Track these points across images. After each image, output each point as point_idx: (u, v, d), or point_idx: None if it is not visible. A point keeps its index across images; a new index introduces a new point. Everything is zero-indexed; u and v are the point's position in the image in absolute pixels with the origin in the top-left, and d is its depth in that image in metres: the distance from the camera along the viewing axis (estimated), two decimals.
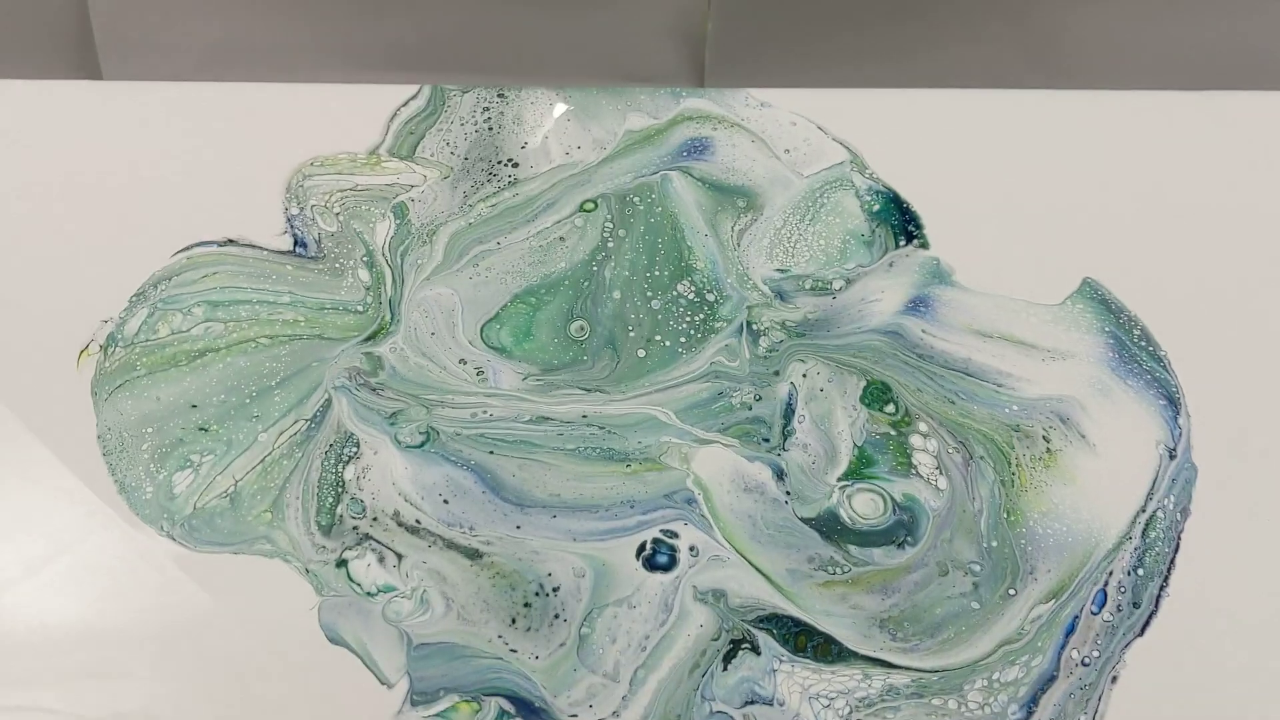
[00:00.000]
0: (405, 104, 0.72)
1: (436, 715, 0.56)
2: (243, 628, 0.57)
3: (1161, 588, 0.59)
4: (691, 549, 0.60)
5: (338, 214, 0.69)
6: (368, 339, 0.65)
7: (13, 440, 0.61)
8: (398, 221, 0.68)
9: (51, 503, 0.61)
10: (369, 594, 0.58)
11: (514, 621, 0.58)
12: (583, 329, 0.66)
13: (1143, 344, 0.66)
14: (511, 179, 0.70)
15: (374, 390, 0.63)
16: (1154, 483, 0.62)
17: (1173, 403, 0.64)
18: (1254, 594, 0.59)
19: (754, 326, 0.66)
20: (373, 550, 0.60)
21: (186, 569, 0.59)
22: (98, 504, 0.62)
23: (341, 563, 0.59)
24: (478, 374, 0.64)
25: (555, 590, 0.58)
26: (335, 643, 0.57)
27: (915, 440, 0.63)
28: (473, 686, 0.57)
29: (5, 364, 0.63)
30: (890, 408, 0.64)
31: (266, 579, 0.59)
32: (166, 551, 0.59)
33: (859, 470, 0.62)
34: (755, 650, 0.58)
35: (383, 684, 0.56)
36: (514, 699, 0.56)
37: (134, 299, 0.66)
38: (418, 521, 0.60)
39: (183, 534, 0.60)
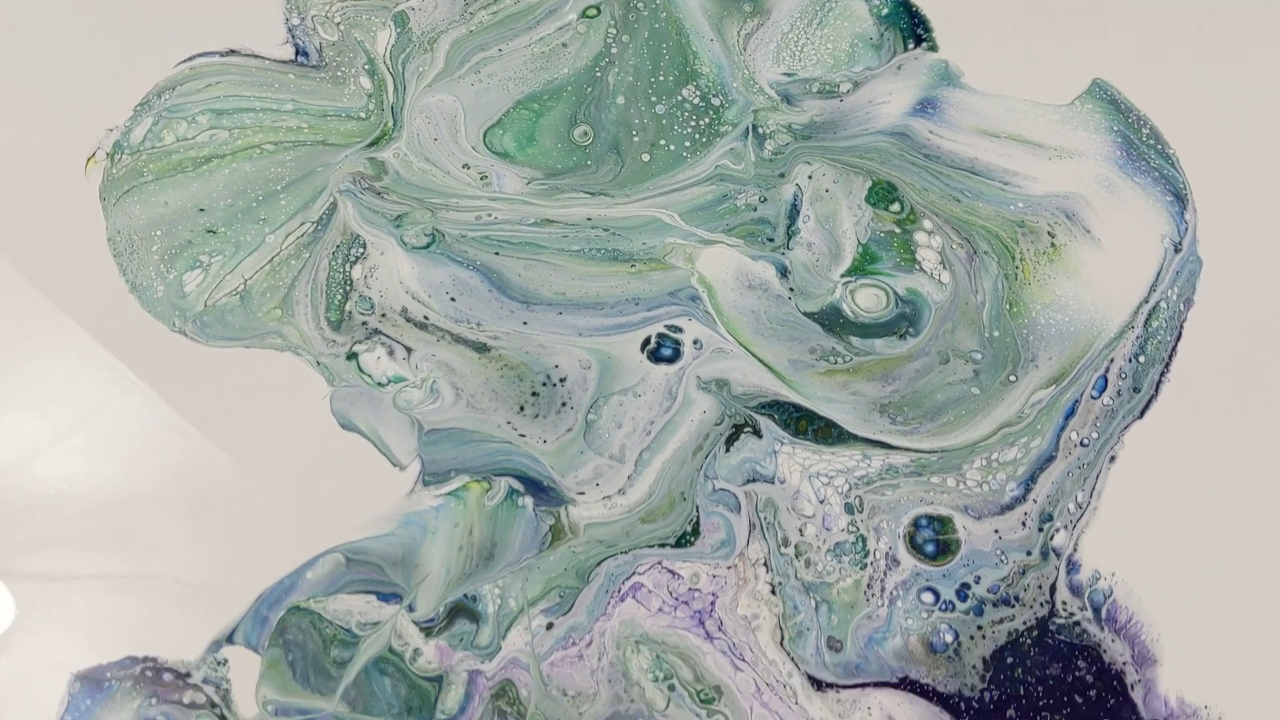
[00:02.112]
0: None
1: (448, 494, 0.63)
2: (257, 417, 0.64)
3: (1162, 374, 0.65)
4: (695, 342, 0.66)
5: (338, 24, 0.74)
6: (371, 144, 0.71)
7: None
8: (398, 30, 0.74)
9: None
10: (379, 384, 0.65)
11: (522, 409, 0.65)
12: (586, 134, 0.72)
13: (1151, 142, 0.71)
14: None
15: (378, 194, 0.70)
16: (1158, 275, 0.67)
17: (1179, 199, 0.69)
18: (1253, 380, 0.65)
19: (759, 130, 0.71)
20: (382, 344, 0.66)
21: (201, 364, 0.65)
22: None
23: (352, 355, 0.66)
24: (481, 178, 0.70)
25: (562, 381, 0.65)
26: (347, 429, 0.64)
27: (919, 237, 0.69)
28: (483, 468, 0.63)
29: (11, 175, 0.70)
30: (895, 206, 0.69)
31: (279, 372, 0.65)
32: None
33: (863, 266, 0.68)
34: (757, 433, 0.64)
35: (395, 466, 0.63)
36: (523, 479, 0.63)
37: (138, 108, 0.72)
38: (425, 318, 0.67)
39: (195, 330, 0.66)
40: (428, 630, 0.58)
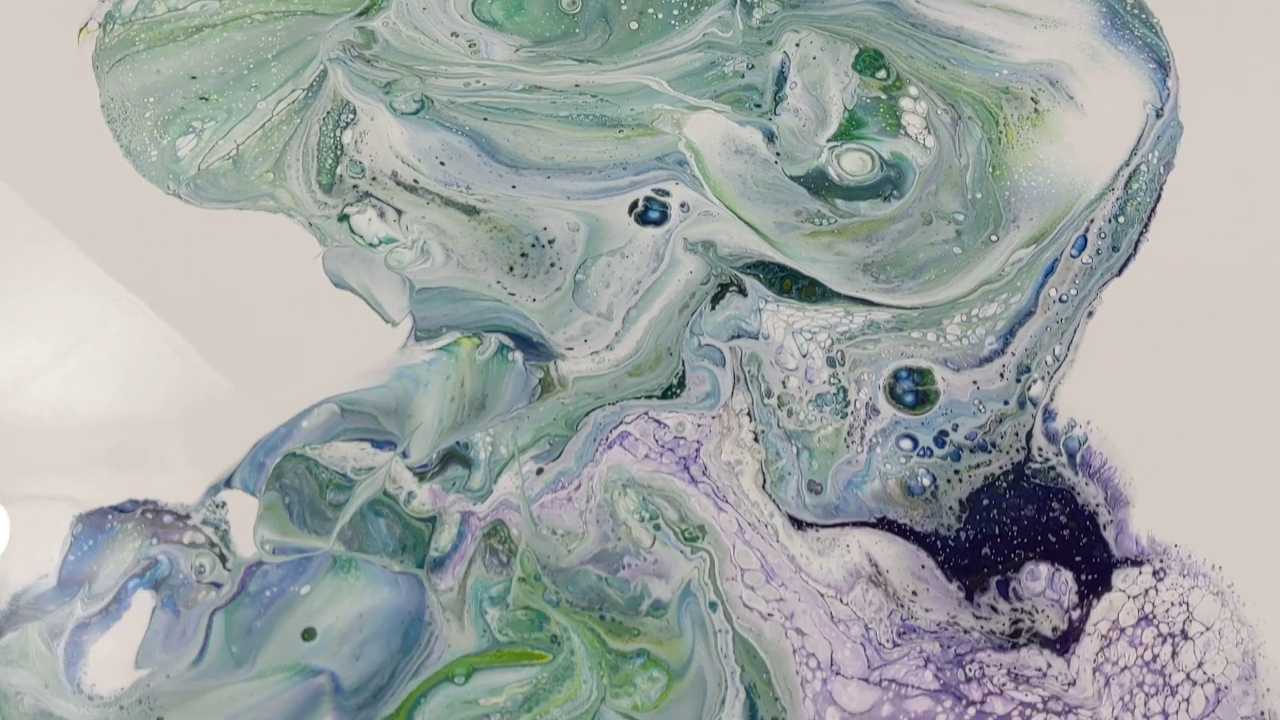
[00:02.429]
0: None
1: (439, 349, 0.65)
2: (251, 279, 0.66)
3: (1141, 234, 0.67)
4: (682, 205, 0.68)
5: None
6: (360, 13, 0.73)
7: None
8: None
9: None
10: (371, 245, 0.67)
11: (511, 269, 0.67)
12: (574, 2, 0.73)
13: (1135, 11, 0.73)
14: None
15: (368, 62, 0.71)
16: (1139, 139, 0.69)
17: (1162, 66, 0.71)
18: (1229, 240, 0.67)
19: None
20: (373, 206, 0.68)
21: (195, 225, 0.67)
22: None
23: (343, 217, 0.68)
24: (470, 46, 0.72)
25: (551, 242, 0.67)
26: (340, 287, 0.66)
27: (905, 103, 0.70)
28: (473, 324, 0.66)
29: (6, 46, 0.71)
30: (882, 73, 0.71)
31: (271, 233, 0.67)
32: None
33: (848, 131, 0.70)
34: (742, 292, 0.66)
35: (387, 323, 0.65)
36: (513, 334, 0.65)
37: None
38: (415, 181, 0.69)
39: (189, 192, 0.68)
40: (421, 475, 0.61)
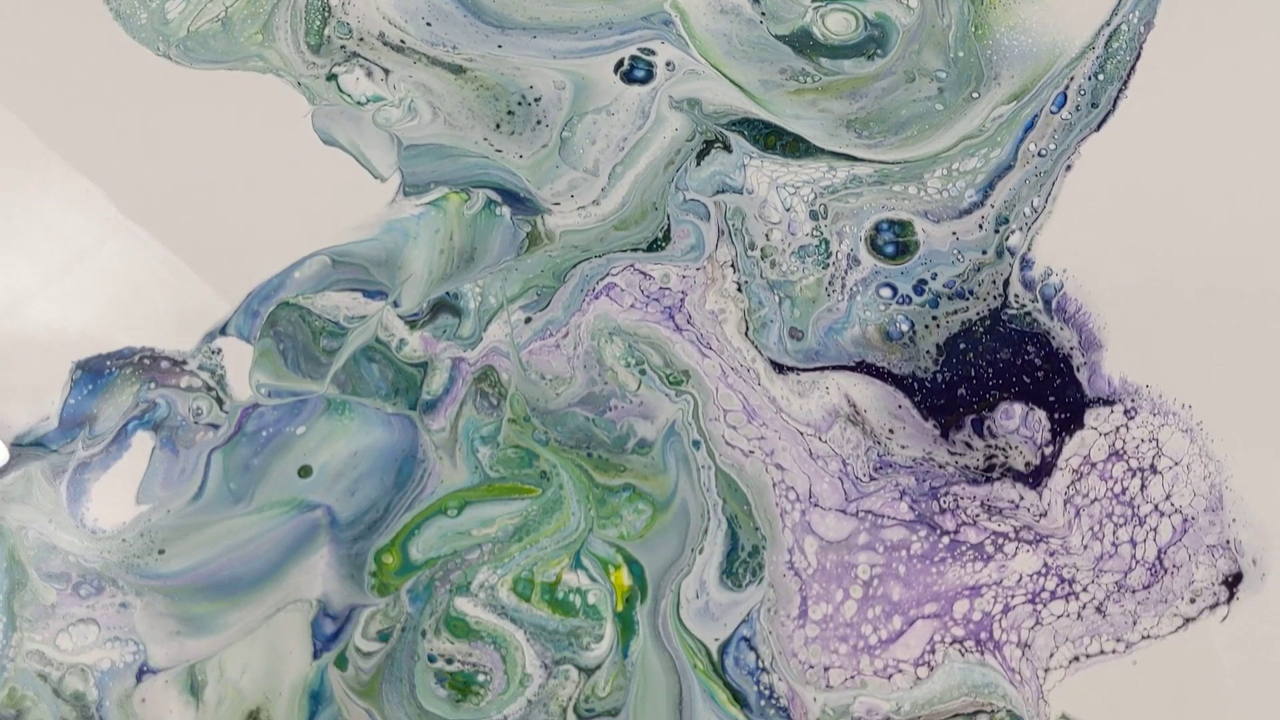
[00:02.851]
0: None
1: (428, 204, 0.67)
2: (243, 138, 0.68)
3: (1120, 90, 0.69)
4: (668, 64, 0.69)
5: None
6: None
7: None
8: None
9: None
10: (359, 104, 0.69)
11: (498, 126, 0.68)
12: None
13: None
14: None
15: None
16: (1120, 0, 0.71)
17: None
18: (1205, 97, 0.69)
19: None
20: (361, 66, 0.70)
21: (186, 97, 0.69)
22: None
23: (331, 76, 0.69)
24: None
25: (537, 100, 0.69)
26: (329, 144, 0.68)
27: None
28: (461, 180, 0.68)
29: None
30: None
31: (260, 93, 0.69)
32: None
33: None
34: (727, 148, 0.68)
35: (376, 179, 0.67)
36: (500, 190, 0.67)
37: None
38: (402, 41, 0.70)
39: (179, 54, 0.70)
40: (412, 323, 0.63)
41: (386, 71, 0.68)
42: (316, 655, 0.57)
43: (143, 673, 0.57)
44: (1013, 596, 0.58)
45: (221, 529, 0.58)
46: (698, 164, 0.66)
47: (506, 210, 0.65)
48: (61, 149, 0.65)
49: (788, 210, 0.65)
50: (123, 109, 0.66)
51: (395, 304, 0.63)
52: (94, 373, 0.60)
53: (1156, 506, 0.60)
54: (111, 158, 0.65)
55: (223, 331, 0.61)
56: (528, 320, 0.63)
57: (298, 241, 0.64)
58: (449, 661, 0.58)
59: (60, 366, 0.61)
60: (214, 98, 0.67)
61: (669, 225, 0.65)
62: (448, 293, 0.63)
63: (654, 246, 0.64)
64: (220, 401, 0.60)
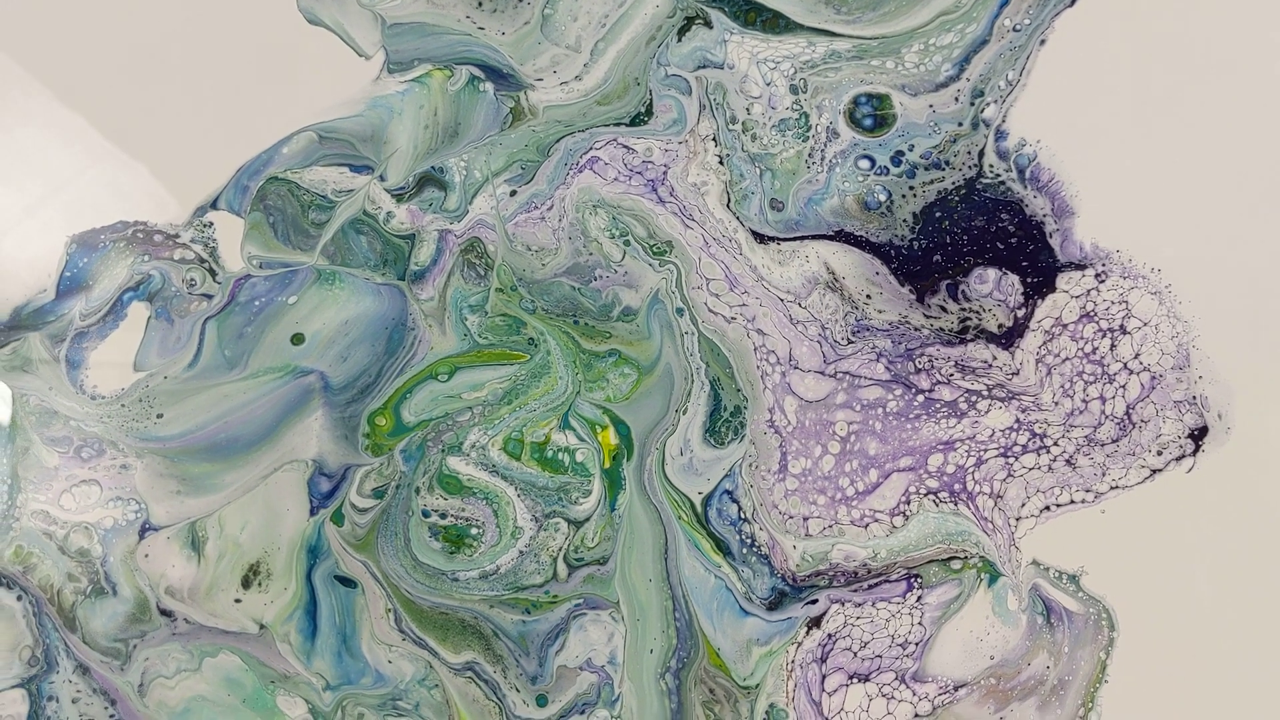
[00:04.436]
0: None
1: (412, 80, 0.71)
2: (226, 19, 0.71)
3: None
4: None
5: None
6: None
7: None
8: None
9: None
10: None
11: (480, 4, 0.72)
12: None
13: None
14: None
15: None
16: None
17: None
18: None
19: None
20: None
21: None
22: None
23: None
24: None
25: None
26: (313, 23, 0.71)
27: None
28: (444, 57, 0.71)
29: None
30: None
31: None
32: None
33: None
34: (708, 24, 0.72)
35: (360, 56, 0.71)
36: (483, 66, 0.71)
37: None
38: None
39: None
40: (399, 196, 0.67)
41: None
42: (313, 512, 0.62)
43: (145, 530, 0.61)
44: (985, 450, 0.63)
45: (217, 394, 0.62)
46: (679, 40, 0.70)
47: (490, 86, 0.69)
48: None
49: (768, 85, 0.69)
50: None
51: (381, 178, 0.66)
52: (89, 246, 0.64)
53: (1125, 365, 0.65)
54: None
55: (213, 205, 0.65)
56: (512, 193, 0.67)
57: (284, 119, 0.67)
58: (442, 516, 0.63)
59: (56, 241, 0.64)
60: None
61: (651, 100, 0.69)
62: (433, 167, 0.67)
63: (636, 121, 0.68)
64: (213, 273, 0.64)
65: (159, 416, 0.61)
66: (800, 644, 0.60)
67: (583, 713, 0.59)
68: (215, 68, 0.67)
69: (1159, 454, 0.64)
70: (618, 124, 0.68)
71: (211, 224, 0.64)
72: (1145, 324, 0.65)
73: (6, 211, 0.68)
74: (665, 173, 0.67)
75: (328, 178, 0.66)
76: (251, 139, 0.66)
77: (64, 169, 0.69)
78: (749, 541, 0.62)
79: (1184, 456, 0.64)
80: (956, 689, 0.59)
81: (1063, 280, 0.66)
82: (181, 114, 0.66)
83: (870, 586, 0.61)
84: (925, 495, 0.62)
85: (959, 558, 0.61)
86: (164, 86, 0.67)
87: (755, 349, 0.64)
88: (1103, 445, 0.63)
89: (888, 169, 0.67)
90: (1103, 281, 0.66)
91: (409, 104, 0.68)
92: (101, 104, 0.68)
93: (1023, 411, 0.63)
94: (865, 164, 0.67)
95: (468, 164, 0.67)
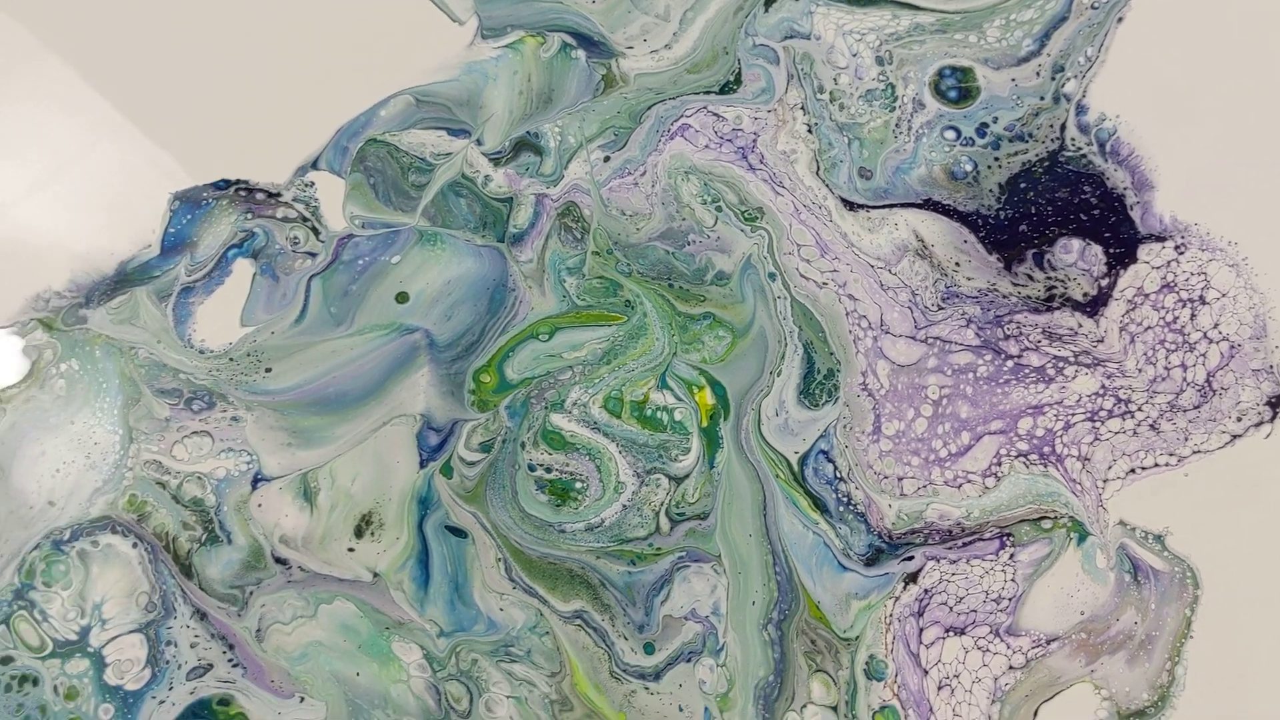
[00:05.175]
0: None
1: (505, 47, 0.73)
2: None
3: None
4: None
5: None
6: None
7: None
8: None
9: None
10: None
11: None
12: None
13: None
14: None
15: None
16: None
17: None
18: None
19: None
20: None
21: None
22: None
23: None
24: None
25: None
26: None
27: None
28: (536, 24, 0.74)
29: None
30: None
31: None
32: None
33: None
34: None
35: (454, 22, 0.73)
36: (574, 34, 0.73)
37: None
38: None
39: None
40: (496, 160, 0.70)
41: None
42: (423, 465, 0.65)
43: (257, 481, 0.64)
44: (1072, 415, 0.67)
45: (325, 349, 0.65)
46: (765, 10, 0.72)
47: (581, 53, 0.71)
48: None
49: (854, 56, 0.72)
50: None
51: (479, 142, 0.69)
52: (191, 202, 0.67)
53: (1205, 334, 0.68)
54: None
55: (314, 166, 0.68)
56: (606, 159, 0.70)
57: (382, 82, 0.70)
58: (547, 470, 0.66)
59: (159, 197, 0.67)
60: None
61: (739, 69, 0.71)
62: (528, 132, 0.70)
63: (725, 89, 0.71)
64: (316, 231, 0.67)
65: (268, 371, 0.64)
66: (898, 598, 0.63)
67: (689, 660, 0.62)
68: (310, 33, 0.69)
69: (1239, 420, 0.67)
70: (707, 92, 0.71)
71: (313, 184, 0.67)
72: (1223, 295, 0.68)
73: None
74: (755, 140, 0.70)
75: (426, 141, 0.68)
76: (349, 101, 0.69)
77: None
78: (845, 500, 0.65)
79: (1262, 423, 0.67)
80: (1049, 642, 0.63)
81: (1144, 251, 0.69)
82: (283, 78, 0.68)
83: (964, 545, 0.64)
84: (1015, 457, 0.65)
85: (1049, 518, 0.64)
86: (266, 48, 0.69)
87: (847, 314, 0.67)
88: (1185, 411, 0.67)
89: (973, 140, 0.70)
90: (1182, 253, 0.69)
91: (503, 70, 0.70)
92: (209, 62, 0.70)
93: (1108, 378, 0.67)
94: (951, 135, 0.70)
95: (562, 130, 0.69)
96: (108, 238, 0.65)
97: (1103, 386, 0.66)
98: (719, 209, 0.67)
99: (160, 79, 0.67)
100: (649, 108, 0.69)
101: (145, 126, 0.66)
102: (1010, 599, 0.62)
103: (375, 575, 0.61)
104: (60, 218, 0.69)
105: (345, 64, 0.68)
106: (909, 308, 0.66)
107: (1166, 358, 0.66)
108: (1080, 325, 0.66)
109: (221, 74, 0.67)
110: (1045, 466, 0.64)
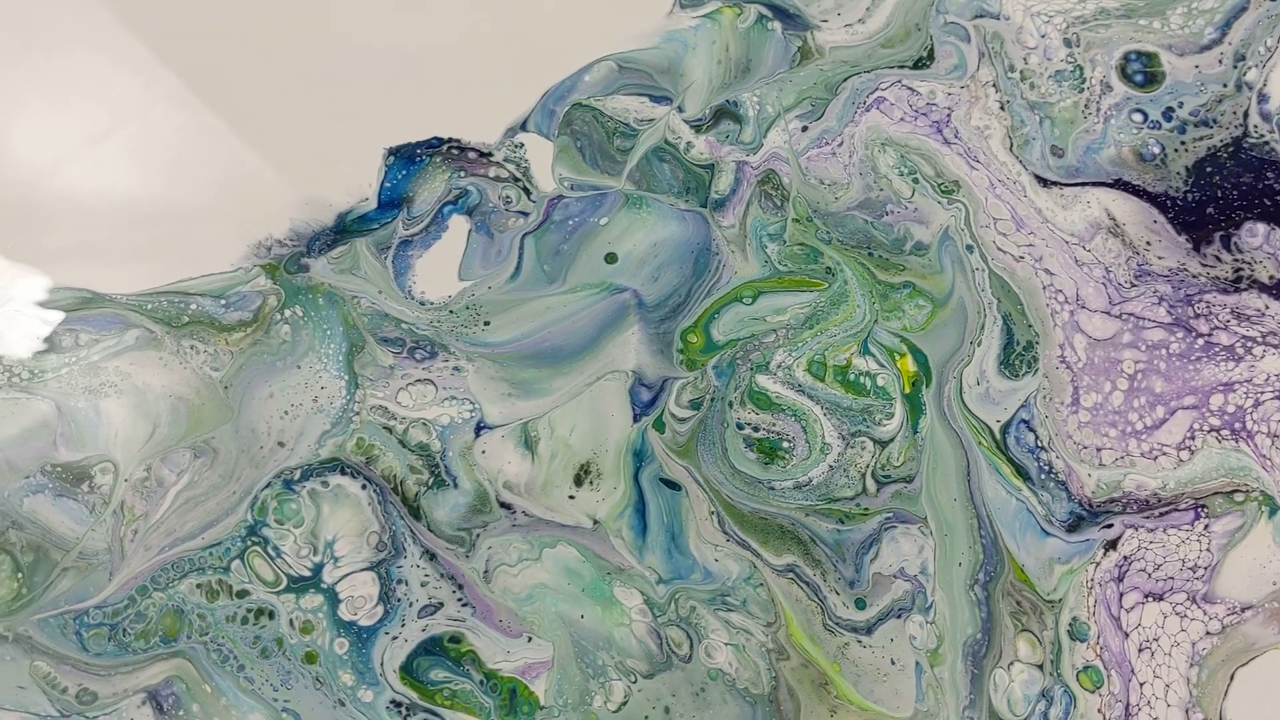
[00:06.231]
0: None
1: (703, 17, 0.76)
2: None
3: None
4: None
5: None
6: None
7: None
8: None
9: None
10: None
11: None
12: None
13: None
14: None
15: None
16: None
17: None
18: None
19: None
20: None
21: None
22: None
23: None
24: None
25: None
26: None
27: None
28: None
29: None
30: None
31: None
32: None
33: None
34: None
35: None
36: (770, 6, 0.77)
37: None
38: None
39: None
40: (697, 127, 0.73)
41: None
42: (636, 419, 0.68)
43: (480, 428, 0.67)
44: (1262, 393, 0.70)
45: (540, 305, 0.68)
46: None
47: (777, 25, 0.75)
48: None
49: (1042, 37, 0.75)
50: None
51: (680, 109, 0.72)
52: (406, 158, 0.70)
53: None
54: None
55: (523, 127, 0.71)
56: (804, 129, 0.73)
57: (586, 48, 0.73)
58: (755, 429, 0.69)
59: (374, 152, 0.70)
60: None
61: (932, 45, 0.75)
62: (728, 101, 0.73)
63: (919, 64, 0.74)
64: (527, 191, 0.70)
65: (486, 324, 0.67)
66: (1099, 564, 0.67)
67: (899, 616, 0.65)
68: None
69: None
70: (901, 66, 0.74)
71: (522, 145, 0.70)
72: None
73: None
74: (949, 115, 0.73)
75: (629, 106, 0.71)
76: (555, 65, 0.72)
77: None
78: (1047, 468, 0.68)
79: None
80: (1243, 610, 0.66)
81: None
82: (491, 40, 0.71)
83: (1161, 514, 0.67)
84: (1208, 432, 0.69)
85: (1241, 490, 0.68)
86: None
87: (1044, 287, 0.70)
88: None
89: (1159, 124, 0.74)
90: None
91: (702, 39, 0.73)
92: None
93: None
94: (1139, 117, 0.74)
95: (760, 99, 0.73)
96: (323, 188, 0.67)
97: None
98: (915, 181, 0.70)
99: (375, 41, 0.70)
100: (844, 80, 0.72)
101: (354, 87, 0.69)
102: (1206, 568, 0.65)
103: (595, 522, 0.64)
104: (278, 168, 0.71)
105: (549, 28, 0.71)
106: (1103, 284, 0.69)
107: None
108: (1268, 307, 0.70)
109: (435, 35, 0.71)
110: (1237, 441, 0.67)
